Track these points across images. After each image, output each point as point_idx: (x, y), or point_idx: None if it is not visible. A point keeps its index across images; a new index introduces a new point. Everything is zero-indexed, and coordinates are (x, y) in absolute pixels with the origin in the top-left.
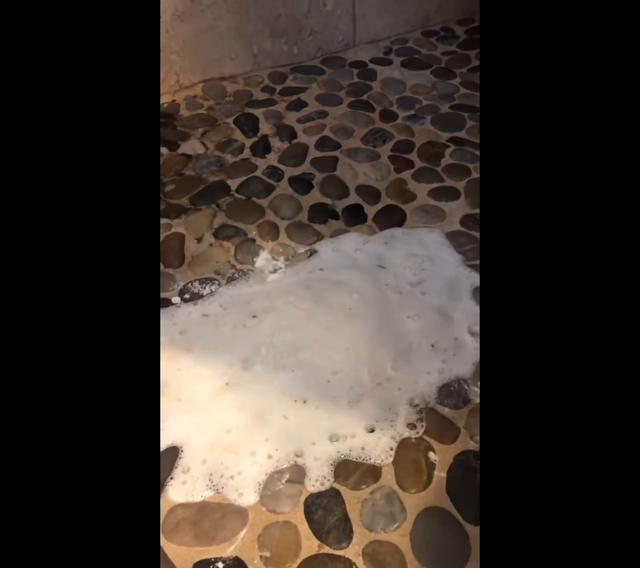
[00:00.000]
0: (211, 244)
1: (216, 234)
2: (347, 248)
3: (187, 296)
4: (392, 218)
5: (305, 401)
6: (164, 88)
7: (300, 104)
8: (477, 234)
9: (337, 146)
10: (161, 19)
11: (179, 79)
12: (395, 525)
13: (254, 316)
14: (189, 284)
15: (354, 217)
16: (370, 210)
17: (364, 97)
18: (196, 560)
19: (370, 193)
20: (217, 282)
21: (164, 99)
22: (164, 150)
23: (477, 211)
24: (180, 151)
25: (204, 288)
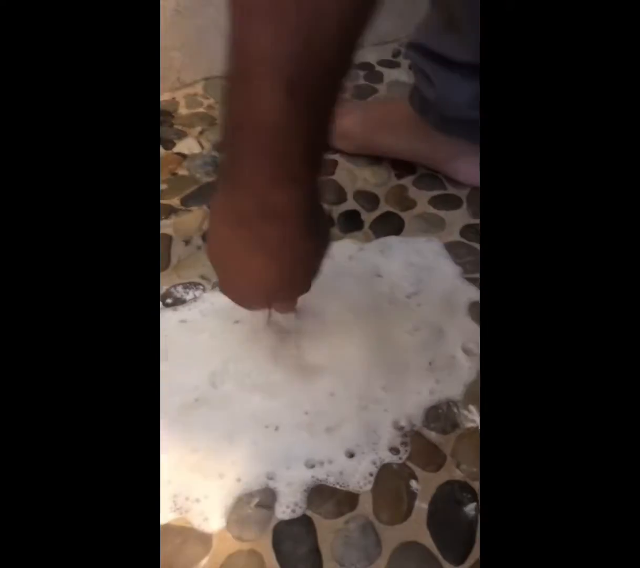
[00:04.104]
0: (199, 248)
1: (205, 237)
2: (340, 254)
3: (169, 300)
4: (389, 225)
5: (276, 428)
6: (164, 85)
7: None
8: (477, 246)
9: (338, 149)
10: (162, 15)
11: (179, 76)
12: (368, 561)
13: (232, 324)
14: (173, 289)
15: (350, 223)
16: (368, 217)
17: (370, 99)
18: None
19: (368, 199)
20: (202, 287)
21: (164, 97)
22: None
23: (478, 220)
24: (175, 149)
25: (188, 292)
